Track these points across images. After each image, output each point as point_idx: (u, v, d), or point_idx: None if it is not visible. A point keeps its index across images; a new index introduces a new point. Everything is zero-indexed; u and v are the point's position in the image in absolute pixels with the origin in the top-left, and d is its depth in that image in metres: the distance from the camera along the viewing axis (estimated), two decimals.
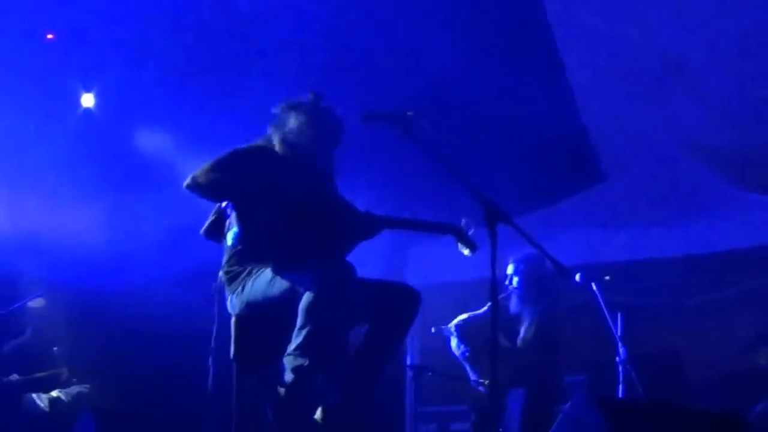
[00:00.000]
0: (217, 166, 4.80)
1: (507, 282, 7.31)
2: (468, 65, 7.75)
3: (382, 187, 6.57)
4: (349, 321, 4.89)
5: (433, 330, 7.12)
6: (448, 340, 7.22)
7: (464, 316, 7.12)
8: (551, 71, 8.09)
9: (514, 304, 7.33)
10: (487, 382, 6.90)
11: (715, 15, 7.95)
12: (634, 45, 8.09)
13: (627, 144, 8.79)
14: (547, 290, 7.26)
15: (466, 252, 5.30)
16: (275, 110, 5.14)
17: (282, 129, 5.07)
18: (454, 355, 7.25)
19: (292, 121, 5.06)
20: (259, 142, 5.09)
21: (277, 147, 5.04)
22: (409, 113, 4.72)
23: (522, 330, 7.21)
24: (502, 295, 7.33)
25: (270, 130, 5.12)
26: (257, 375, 4.84)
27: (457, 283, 8.02)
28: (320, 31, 7.51)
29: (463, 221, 5.30)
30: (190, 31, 7.15)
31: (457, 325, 7.13)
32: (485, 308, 7.08)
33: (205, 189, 4.78)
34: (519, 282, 7.32)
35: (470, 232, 5.29)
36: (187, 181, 4.79)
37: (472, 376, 7.11)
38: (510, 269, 7.32)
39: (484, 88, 7.88)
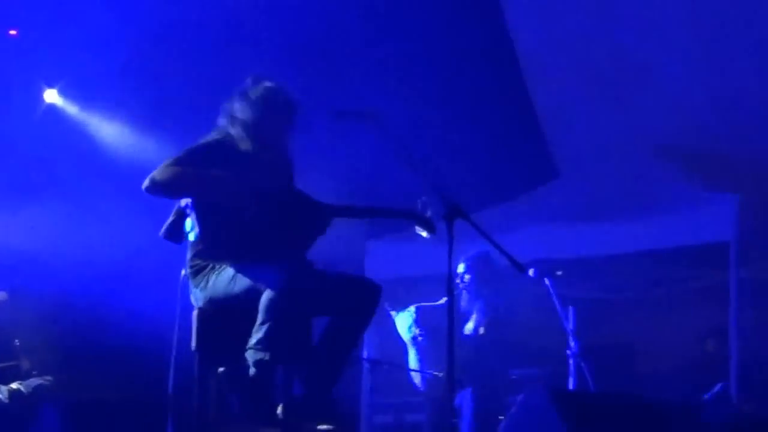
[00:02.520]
0: (175, 164, 4.77)
1: (458, 280, 7.37)
2: (428, 66, 7.81)
3: (345, 182, 6.58)
4: (310, 315, 4.94)
5: (386, 306, 7.15)
6: (395, 326, 7.30)
7: (422, 304, 7.19)
8: (509, 70, 8.10)
9: (464, 301, 7.42)
10: (441, 373, 6.95)
11: (677, 18, 8.02)
12: (593, 45, 8.12)
13: (582, 142, 8.78)
14: (497, 287, 7.35)
15: (424, 234, 5.24)
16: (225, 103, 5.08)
17: (233, 119, 5.02)
18: (400, 339, 7.32)
19: (241, 110, 5.01)
20: (214, 135, 5.03)
21: (229, 138, 4.99)
22: (373, 111, 4.79)
23: (470, 325, 7.30)
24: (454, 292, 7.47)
25: (221, 122, 5.06)
26: (221, 367, 4.81)
27: (414, 277, 8.06)
28: (282, 27, 7.52)
29: (420, 202, 5.23)
30: (156, 25, 7.12)
31: (417, 307, 7.19)
32: (442, 300, 7.15)
33: (164, 188, 4.74)
34: (470, 279, 7.42)
35: (427, 214, 5.22)
36: (146, 182, 4.74)
37: (414, 363, 7.20)
38: (461, 268, 7.39)
39: (443, 86, 7.94)
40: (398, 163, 4.88)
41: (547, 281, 6.97)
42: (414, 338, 7.19)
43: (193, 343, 4.88)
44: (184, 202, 4.95)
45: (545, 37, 8.26)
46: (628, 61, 8.21)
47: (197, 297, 4.93)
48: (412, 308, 7.22)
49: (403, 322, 7.26)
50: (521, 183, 8.99)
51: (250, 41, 7.59)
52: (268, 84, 5.06)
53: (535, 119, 8.61)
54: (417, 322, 7.19)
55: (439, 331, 7.19)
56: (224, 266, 4.84)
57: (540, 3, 8.18)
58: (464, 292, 7.42)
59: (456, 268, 7.30)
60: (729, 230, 8.30)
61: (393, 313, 7.27)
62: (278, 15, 7.53)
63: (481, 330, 7.29)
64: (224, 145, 4.95)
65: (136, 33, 7.00)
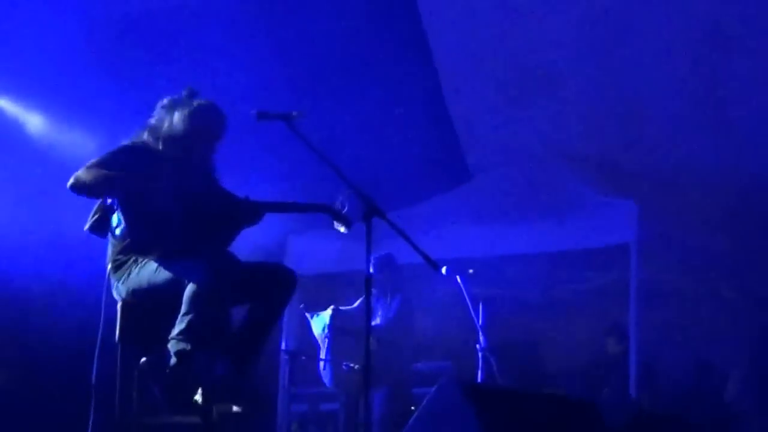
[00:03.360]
0: (99, 165, 4.78)
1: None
2: (350, 71, 7.80)
3: (270, 182, 6.58)
4: (230, 306, 4.93)
5: (301, 307, 7.22)
6: (309, 325, 7.35)
7: (340, 307, 7.27)
8: (427, 79, 8.13)
9: (373, 299, 7.40)
10: (356, 366, 7.05)
11: (582, 29, 8.14)
12: (506, 54, 8.15)
13: (493, 147, 8.82)
14: (401, 286, 7.50)
15: (341, 229, 5.30)
16: (156, 110, 5.09)
17: (159, 126, 5.04)
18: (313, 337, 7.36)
19: (169, 118, 5.04)
20: (137, 138, 5.05)
21: (153, 143, 5.02)
22: (294, 113, 4.82)
23: (379, 321, 7.42)
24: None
25: (147, 127, 5.08)
26: (144, 357, 4.78)
27: (331, 274, 8.08)
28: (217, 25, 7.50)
29: (339, 199, 5.28)
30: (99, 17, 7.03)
31: (334, 310, 7.28)
32: (356, 304, 7.22)
33: (86, 188, 4.74)
34: (378, 279, 7.40)
35: (345, 210, 5.28)
36: (70, 181, 4.74)
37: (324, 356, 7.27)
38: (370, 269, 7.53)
39: (363, 92, 7.93)
40: (319, 164, 4.87)
41: (458, 279, 7.06)
42: (324, 339, 7.27)
43: (117, 335, 4.86)
44: (109, 199, 4.94)
45: (460, 47, 8.28)
46: (535, 72, 8.23)
47: (119, 290, 4.93)
48: (329, 311, 7.29)
49: (319, 324, 7.32)
50: (436, 185, 9.01)
51: (170, 40, 7.48)
52: (200, 100, 5.10)
53: (450, 125, 8.65)
54: (330, 325, 7.27)
55: (352, 332, 7.29)
56: (147, 260, 4.85)
57: (455, 14, 8.26)
58: (375, 291, 7.46)
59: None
60: (630, 233, 8.31)
61: (308, 315, 7.33)
62: (197, 14, 7.53)
63: (385, 325, 7.42)
64: (147, 148, 4.99)
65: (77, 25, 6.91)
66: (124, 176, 4.77)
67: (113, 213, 4.95)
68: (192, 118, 5.04)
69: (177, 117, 5.04)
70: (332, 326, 7.28)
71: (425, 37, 7.94)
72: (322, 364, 7.37)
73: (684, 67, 8.04)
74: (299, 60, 7.52)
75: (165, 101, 5.11)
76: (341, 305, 7.48)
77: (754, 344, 8.63)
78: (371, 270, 7.38)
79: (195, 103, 5.08)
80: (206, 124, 5.09)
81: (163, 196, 4.83)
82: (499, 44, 8.25)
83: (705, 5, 7.78)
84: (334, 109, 7.50)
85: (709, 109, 8.21)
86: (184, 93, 5.11)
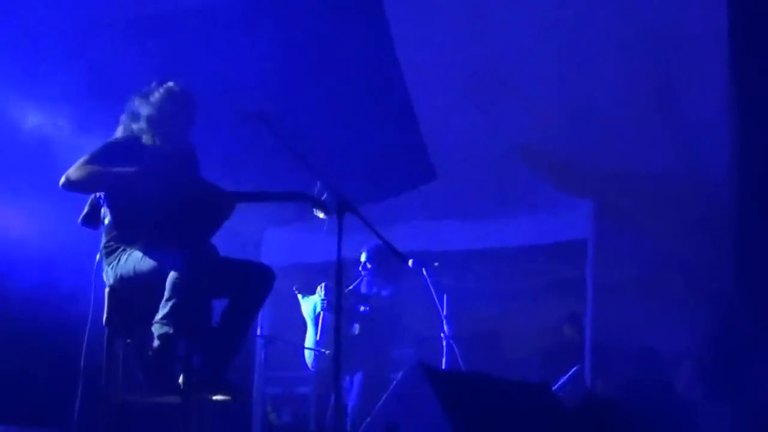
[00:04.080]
0: (88, 163, 4.86)
1: (361, 267, 7.52)
2: (322, 74, 7.89)
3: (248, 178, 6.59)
4: (210, 296, 5.04)
5: (294, 288, 7.22)
6: (299, 305, 7.36)
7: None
8: (394, 81, 8.23)
9: (365, 286, 7.58)
10: (328, 351, 7.09)
11: (542, 32, 8.16)
12: (469, 60, 8.25)
13: (458, 147, 8.84)
14: (394, 274, 7.51)
15: (320, 215, 5.31)
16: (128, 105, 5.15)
17: (137, 116, 5.10)
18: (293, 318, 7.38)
19: (145, 108, 5.09)
20: (120, 133, 5.13)
21: (131, 135, 5.09)
22: (272, 114, 4.91)
23: (367, 308, 7.44)
24: (359, 280, 7.58)
25: (125, 121, 5.14)
26: (129, 339, 4.92)
27: (307, 264, 8.07)
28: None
29: (317, 187, 5.31)
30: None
31: (326, 285, 7.29)
32: (352, 286, 7.29)
33: (78, 186, 4.85)
34: (371, 267, 7.58)
35: (323, 197, 5.29)
36: (62, 180, 4.84)
37: (312, 341, 7.27)
38: (363, 257, 7.53)
39: (335, 94, 8.02)
40: (294, 162, 4.96)
41: (424, 271, 7.11)
42: (317, 317, 7.26)
43: (104, 318, 4.94)
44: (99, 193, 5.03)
45: (426, 54, 8.35)
46: (497, 74, 8.32)
47: (108, 275, 5.02)
48: (320, 288, 7.30)
49: (309, 303, 7.33)
50: (403, 182, 9.02)
51: (148, 39, 7.48)
52: (169, 84, 5.16)
53: (417, 126, 8.73)
54: (324, 301, 7.27)
55: (342, 311, 7.32)
56: (134, 249, 4.95)
57: (421, 22, 8.34)
58: (365, 278, 7.58)
59: (355, 255, 7.44)
60: (586, 230, 8.40)
61: (299, 295, 7.32)
62: (179, 20, 7.58)
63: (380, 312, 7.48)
64: (131, 142, 5.06)
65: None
66: (111, 172, 4.85)
67: (102, 206, 5.03)
68: (163, 103, 5.11)
69: (149, 106, 5.11)
70: (328, 301, 7.27)
71: (393, 45, 8.07)
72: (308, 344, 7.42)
73: (638, 70, 8.13)
74: (276, 64, 7.53)
75: (135, 95, 5.16)
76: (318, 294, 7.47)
77: (702, 337, 8.77)
78: (365, 258, 7.57)
79: (163, 89, 5.14)
80: (177, 107, 5.15)
81: (147, 187, 4.90)
82: (463, 50, 8.32)
83: (660, 11, 7.85)
84: (308, 111, 7.55)
85: (662, 112, 8.30)
86: (152, 83, 5.17)
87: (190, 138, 5.24)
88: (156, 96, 5.12)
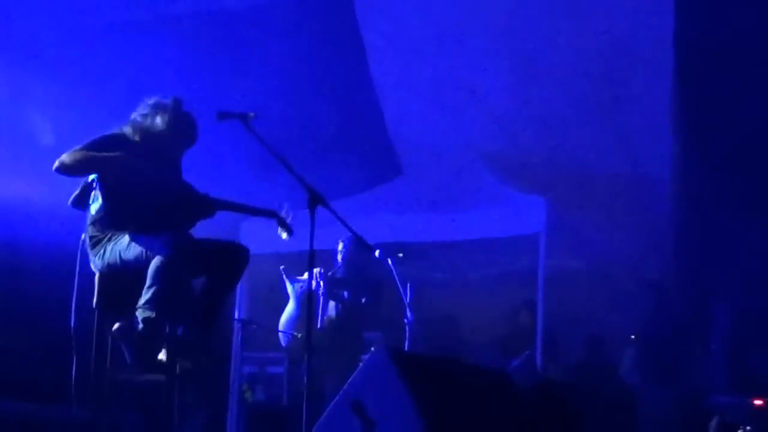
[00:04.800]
0: (80, 150, 4.90)
1: (339, 256, 7.52)
2: (301, 80, 7.96)
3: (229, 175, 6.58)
4: (190, 277, 5.08)
5: (282, 268, 7.21)
6: (284, 285, 7.34)
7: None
8: (365, 89, 8.33)
9: (341, 273, 7.57)
10: (300, 335, 7.08)
11: (500, 46, 8.31)
12: (435, 67, 8.39)
13: (422, 147, 8.94)
14: (369, 263, 7.51)
15: (284, 236, 5.41)
16: (141, 107, 5.17)
17: (142, 121, 5.14)
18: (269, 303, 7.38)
19: (152, 118, 5.13)
20: (117, 131, 5.14)
21: (134, 136, 5.12)
22: (251, 114, 4.89)
23: (346, 293, 7.47)
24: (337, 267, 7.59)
25: (130, 122, 5.17)
26: (116, 322, 4.90)
27: (281, 253, 7.64)
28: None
29: (284, 208, 5.39)
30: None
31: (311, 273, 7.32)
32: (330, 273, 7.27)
33: (69, 167, 4.88)
34: (345, 257, 7.58)
35: (288, 219, 5.37)
36: (55, 164, 4.87)
37: (287, 319, 7.27)
38: (340, 246, 7.54)
39: (312, 98, 8.08)
40: (271, 159, 4.96)
41: (389, 261, 7.12)
42: (301, 296, 7.25)
43: (94, 302, 4.97)
44: (91, 177, 5.04)
45: (396, 62, 8.50)
46: (458, 81, 8.46)
47: (96, 264, 5.04)
48: (305, 276, 7.23)
49: (296, 288, 7.33)
50: (371, 179, 9.07)
51: (136, 40, 7.52)
52: (183, 110, 5.22)
53: (385, 128, 8.85)
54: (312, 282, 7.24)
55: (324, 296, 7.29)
56: (120, 236, 4.97)
57: (392, 33, 8.43)
58: (342, 265, 7.57)
59: (332, 246, 7.44)
60: (539, 225, 8.36)
61: (286, 279, 7.31)
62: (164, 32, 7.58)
63: (355, 297, 7.50)
64: (123, 138, 5.10)
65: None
66: (101, 156, 4.90)
67: (92, 191, 5.04)
68: (175, 123, 5.17)
69: (160, 118, 5.15)
70: (318, 285, 7.29)
71: (365, 56, 8.19)
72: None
73: (589, 76, 8.22)
74: (258, 71, 7.62)
75: (151, 101, 5.19)
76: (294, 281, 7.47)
77: (644, 324, 8.76)
78: (342, 247, 7.58)
79: (179, 111, 5.19)
80: (185, 131, 5.24)
81: (135, 178, 4.95)
82: (427, 60, 8.45)
83: (610, 23, 7.99)
84: (286, 114, 7.57)
85: (609, 114, 8.39)
86: (171, 99, 5.21)
87: (182, 150, 5.29)
88: (168, 114, 5.17)
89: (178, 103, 5.23)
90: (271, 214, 5.43)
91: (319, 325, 7.34)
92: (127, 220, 4.98)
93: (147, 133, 5.14)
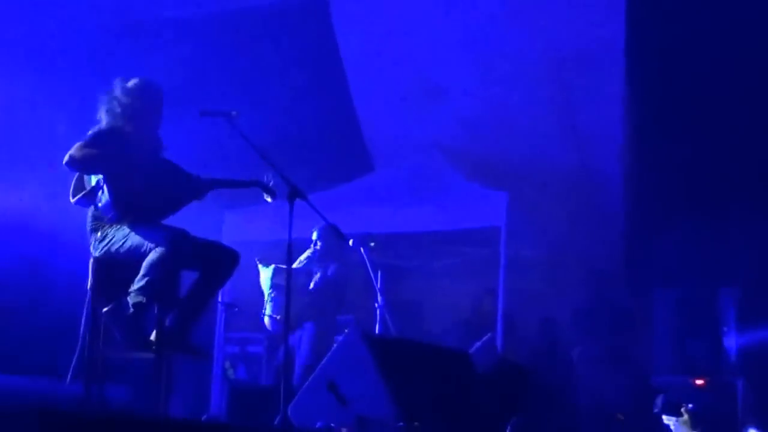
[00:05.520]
0: (86, 146, 4.89)
1: (312, 245, 7.51)
2: (280, 85, 7.98)
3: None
4: (181, 268, 5.10)
5: (256, 259, 7.20)
6: (255, 276, 7.33)
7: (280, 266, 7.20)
8: (340, 92, 8.40)
9: (315, 261, 7.55)
10: (279, 316, 7.09)
11: (465, 51, 8.43)
12: (404, 71, 8.49)
13: (393, 145, 9.04)
14: (340, 252, 7.49)
15: (268, 199, 5.39)
16: (120, 90, 5.10)
17: (132, 109, 5.06)
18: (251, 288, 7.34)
19: (143, 102, 5.08)
20: (104, 122, 5.08)
21: (126, 127, 5.05)
22: (234, 112, 4.95)
23: (317, 279, 7.45)
24: (308, 254, 7.58)
25: (103, 111, 5.09)
26: (109, 305, 4.91)
27: (261, 242, 7.88)
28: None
29: (266, 176, 5.39)
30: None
31: (276, 267, 7.24)
32: (295, 264, 7.28)
33: (79, 164, 4.89)
34: (321, 245, 7.57)
35: (271, 184, 5.38)
36: (65, 159, 4.86)
37: (269, 310, 7.25)
38: (314, 235, 7.52)
39: (295, 103, 8.10)
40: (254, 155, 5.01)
41: (362, 250, 7.14)
42: (270, 292, 7.28)
43: (89, 284, 4.96)
44: (96, 179, 5.03)
45: (369, 67, 8.57)
46: (428, 82, 8.57)
47: (95, 248, 5.03)
48: (272, 267, 7.29)
49: (266, 275, 7.31)
50: (346, 174, 9.11)
51: (125, 46, 7.55)
52: (137, 80, 5.15)
53: (358, 127, 8.97)
54: (272, 279, 7.26)
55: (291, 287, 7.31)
56: (121, 225, 4.97)
57: (365, 39, 8.48)
58: (317, 254, 7.55)
59: (307, 235, 7.43)
60: (500, 218, 8.35)
61: (259, 264, 7.30)
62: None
63: (324, 283, 7.49)
64: (114, 129, 5.06)
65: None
66: (107, 157, 4.90)
67: (98, 190, 5.02)
68: (159, 102, 5.14)
69: (148, 101, 5.12)
70: (273, 283, 7.27)
71: (342, 62, 8.24)
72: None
73: (545, 80, 8.38)
74: (242, 72, 7.64)
75: (131, 84, 5.11)
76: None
77: (589, 308, 8.82)
78: (316, 237, 7.60)
79: (130, 84, 5.12)
80: (147, 95, 5.14)
81: (137, 174, 4.96)
82: (398, 65, 8.55)
83: (565, 33, 8.15)
84: (270, 114, 7.54)
85: (563, 116, 8.55)
86: (144, 79, 5.15)
87: (159, 124, 5.25)
88: (128, 88, 5.11)
89: (124, 79, 5.16)
90: (256, 183, 5.42)
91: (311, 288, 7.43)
92: (132, 213, 4.98)
93: (137, 120, 5.08)
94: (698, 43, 7.45)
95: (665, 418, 4.92)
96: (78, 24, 7.39)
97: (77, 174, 5.11)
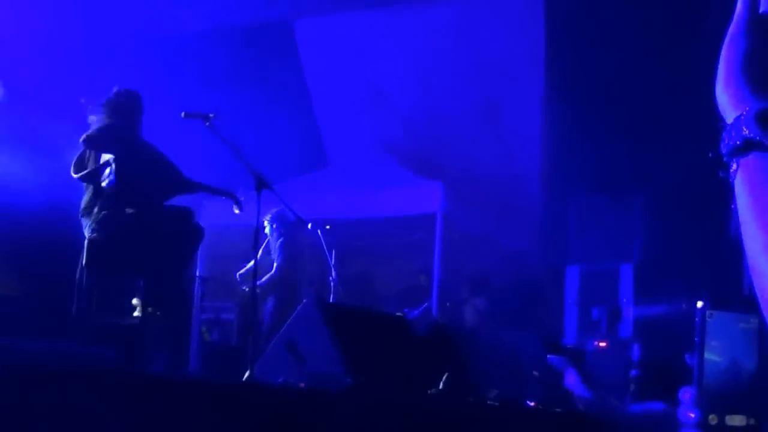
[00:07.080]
0: (100, 130, 4.94)
1: (266, 231, 7.56)
2: (246, 89, 7.94)
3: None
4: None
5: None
6: (227, 256, 7.34)
7: None
8: (301, 95, 8.46)
9: (270, 244, 7.62)
10: (247, 288, 7.13)
11: (407, 59, 8.50)
12: (357, 76, 8.53)
13: (346, 142, 9.08)
14: (285, 233, 7.56)
15: (236, 211, 5.47)
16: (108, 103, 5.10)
17: (109, 110, 5.07)
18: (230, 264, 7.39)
19: (113, 104, 5.09)
20: (104, 120, 5.06)
21: (112, 119, 5.06)
22: (211, 114, 4.98)
23: (273, 256, 7.52)
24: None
25: (104, 114, 5.08)
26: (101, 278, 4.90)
27: (234, 227, 7.96)
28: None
29: (239, 192, 5.46)
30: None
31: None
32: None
33: (96, 143, 4.92)
34: (272, 229, 7.62)
35: (241, 199, 5.44)
36: (82, 138, 4.89)
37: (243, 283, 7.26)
38: (266, 221, 7.56)
39: (259, 104, 8.07)
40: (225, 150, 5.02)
41: (319, 232, 7.19)
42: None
43: (84, 261, 4.91)
44: (106, 158, 4.99)
45: (327, 74, 8.61)
46: (375, 86, 8.65)
47: (89, 229, 4.97)
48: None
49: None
50: (305, 167, 9.13)
51: (114, 50, 7.54)
52: (126, 89, 5.19)
53: (317, 126, 9.04)
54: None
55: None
56: (111, 210, 4.92)
57: (324, 48, 8.50)
58: (270, 237, 7.58)
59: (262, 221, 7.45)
60: (436, 206, 8.44)
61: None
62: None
63: (279, 261, 7.52)
64: (116, 124, 5.08)
65: None
66: (118, 140, 4.93)
67: (107, 168, 4.97)
68: (122, 95, 5.14)
69: (114, 100, 5.11)
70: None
71: (303, 73, 8.28)
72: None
73: (474, 86, 8.46)
74: (217, 81, 7.62)
75: (104, 100, 5.12)
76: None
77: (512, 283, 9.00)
78: (268, 222, 7.62)
79: (120, 90, 5.16)
80: (133, 98, 5.18)
81: (142, 160, 4.99)
82: (352, 74, 8.59)
83: (489, 42, 8.23)
84: (237, 115, 7.44)
85: (490, 118, 8.61)
86: (121, 88, 5.18)
87: (141, 122, 5.24)
88: (120, 92, 5.14)
89: (116, 89, 5.18)
90: (230, 195, 5.47)
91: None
92: (132, 197, 4.96)
93: (127, 118, 5.08)
94: (614, 55, 7.47)
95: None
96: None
97: (78, 154, 5.05)
